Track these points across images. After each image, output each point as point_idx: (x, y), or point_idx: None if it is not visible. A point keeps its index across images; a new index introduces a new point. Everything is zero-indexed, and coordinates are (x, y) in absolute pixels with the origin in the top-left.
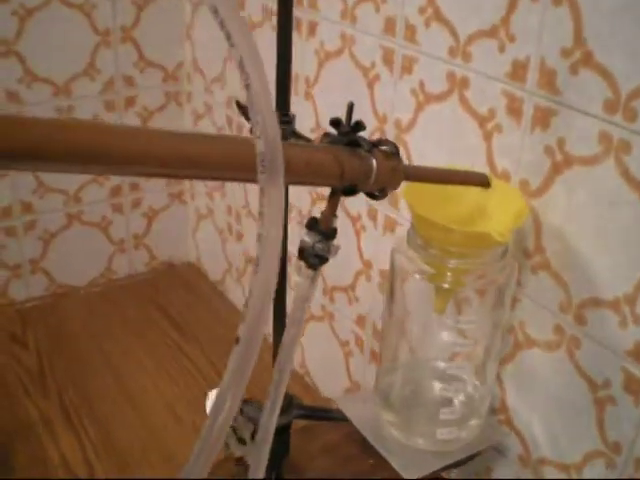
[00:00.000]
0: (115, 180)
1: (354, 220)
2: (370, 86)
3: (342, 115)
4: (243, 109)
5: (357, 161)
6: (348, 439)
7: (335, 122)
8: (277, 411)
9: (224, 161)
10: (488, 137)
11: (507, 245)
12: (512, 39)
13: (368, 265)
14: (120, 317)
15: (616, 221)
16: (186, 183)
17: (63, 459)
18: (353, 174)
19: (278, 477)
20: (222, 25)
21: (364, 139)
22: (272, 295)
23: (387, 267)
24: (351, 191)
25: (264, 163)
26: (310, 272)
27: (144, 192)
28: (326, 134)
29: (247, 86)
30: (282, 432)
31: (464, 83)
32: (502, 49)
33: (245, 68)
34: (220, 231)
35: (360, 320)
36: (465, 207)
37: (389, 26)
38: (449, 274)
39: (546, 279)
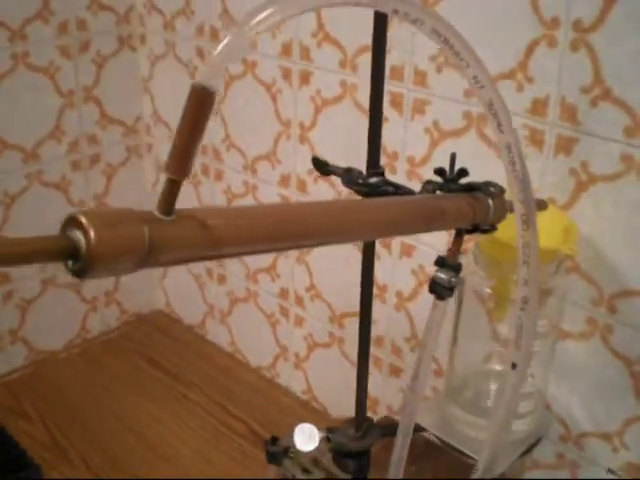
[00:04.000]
0: None
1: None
2: None
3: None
4: (321, 166)
5: (480, 203)
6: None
7: (440, 171)
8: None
9: (419, 218)
10: None
11: (560, 259)
12: (530, 80)
13: (383, 289)
14: (111, 374)
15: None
16: None
17: None
18: (479, 215)
19: None
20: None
21: (483, 183)
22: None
23: (405, 290)
24: (473, 230)
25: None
26: (441, 302)
27: None
28: (428, 181)
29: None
30: (363, 454)
31: (481, 119)
32: (520, 89)
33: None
34: (197, 276)
35: (377, 340)
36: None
37: (395, 73)
38: (512, 286)
39: (577, 280)
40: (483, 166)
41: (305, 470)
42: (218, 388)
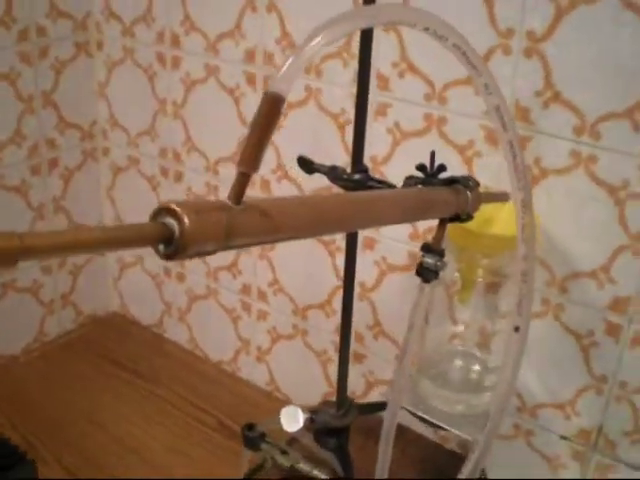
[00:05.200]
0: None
1: (326, 244)
2: (341, 129)
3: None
4: (307, 164)
5: (460, 195)
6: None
7: (421, 167)
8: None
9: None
10: (468, 162)
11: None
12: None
13: None
14: (74, 375)
15: (588, 212)
16: None
17: None
18: (459, 206)
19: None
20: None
21: (462, 177)
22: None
23: (368, 280)
24: (454, 219)
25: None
26: (427, 285)
27: None
28: (410, 177)
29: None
30: (343, 432)
31: (442, 121)
32: (478, 93)
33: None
34: (154, 276)
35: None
36: (483, 217)
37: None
38: (480, 270)
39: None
40: (444, 162)
41: (283, 452)
42: (181, 383)
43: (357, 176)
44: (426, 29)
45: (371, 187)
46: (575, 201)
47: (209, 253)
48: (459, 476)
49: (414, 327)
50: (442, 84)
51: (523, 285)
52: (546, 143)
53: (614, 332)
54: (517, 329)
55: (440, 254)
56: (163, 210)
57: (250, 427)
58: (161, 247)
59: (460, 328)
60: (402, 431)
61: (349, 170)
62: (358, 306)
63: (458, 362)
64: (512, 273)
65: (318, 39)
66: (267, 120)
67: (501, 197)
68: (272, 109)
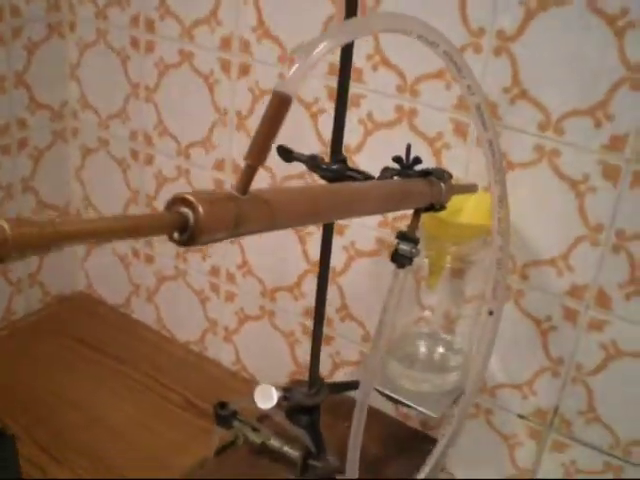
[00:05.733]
0: None
1: (297, 229)
2: (314, 117)
3: None
4: (286, 153)
5: (435, 186)
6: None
7: (397, 159)
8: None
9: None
10: (437, 153)
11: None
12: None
13: (315, 264)
14: (42, 354)
15: (550, 204)
16: (73, 215)
17: None
18: (434, 196)
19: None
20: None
21: (436, 170)
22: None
23: (337, 265)
24: (428, 209)
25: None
26: (401, 271)
27: None
28: (386, 168)
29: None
30: (315, 410)
31: (413, 113)
32: (448, 88)
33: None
34: (122, 257)
35: (308, 312)
36: (452, 207)
37: (334, 69)
38: (448, 257)
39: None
40: (414, 153)
41: (254, 429)
42: (149, 363)
43: (335, 166)
44: (420, 36)
45: (349, 177)
46: (538, 193)
47: (218, 240)
48: (436, 450)
49: (388, 310)
50: (414, 77)
51: (498, 272)
52: (512, 138)
53: (571, 317)
54: (491, 313)
55: (415, 242)
56: (178, 200)
57: (222, 405)
58: (176, 235)
59: (426, 312)
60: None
61: (326, 159)
62: (329, 289)
63: (424, 344)
64: (477, 260)
65: (323, 45)
66: (274, 118)
67: (470, 188)
68: (280, 108)
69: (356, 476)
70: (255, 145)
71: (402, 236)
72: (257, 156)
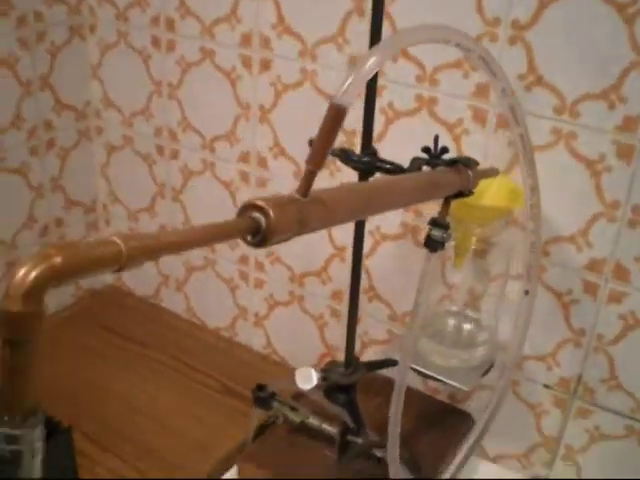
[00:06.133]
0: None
1: None
2: None
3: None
4: None
5: (463, 174)
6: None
7: (426, 149)
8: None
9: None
10: (457, 139)
11: (508, 216)
12: (475, 68)
13: (342, 249)
14: (79, 347)
15: (568, 183)
16: (100, 210)
17: (118, 475)
18: (462, 184)
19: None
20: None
21: (465, 158)
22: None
23: (364, 248)
24: (457, 196)
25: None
26: (433, 255)
27: (65, 227)
28: (415, 158)
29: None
30: (352, 388)
31: (432, 102)
32: (466, 77)
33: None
34: None
35: (336, 294)
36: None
37: (354, 61)
38: (473, 238)
39: (517, 232)
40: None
41: (293, 409)
42: (182, 350)
43: (366, 158)
44: (457, 44)
45: (379, 168)
46: (557, 174)
47: (285, 240)
48: (477, 426)
49: (422, 292)
50: (432, 67)
51: (531, 255)
52: (530, 122)
53: (591, 290)
54: (527, 292)
55: (446, 227)
56: (250, 206)
57: (260, 387)
58: (249, 238)
59: (452, 291)
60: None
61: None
62: (348, 270)
63: (452, 321)
64: (499, 241)
65: (373, 59)
66: (331, 127)
67: (492, 172)
68: (335, 118)
69: (397, 451)
70: (315, 152)
71: (434, 222)
72: (317, 162)
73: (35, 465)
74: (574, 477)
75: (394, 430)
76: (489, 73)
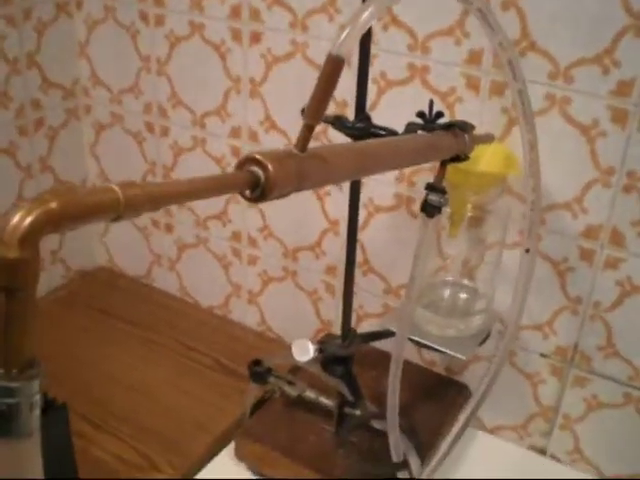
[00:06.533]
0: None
1: (315, 190)
2: None
3: None
4: None
5: (459, 137)
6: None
7: (421, 114)
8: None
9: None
10: (450, 107)
11: (503, 183)
12: (467, 35)
13: (335, 223)
14: (71, 327)
15: (562, 150)
16: None
17: (114, 455)
18: (459, 147)
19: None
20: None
21: (461, 122)
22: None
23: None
24: (454, 160)
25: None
26: (431, 220)
27: None
28: (411, 123)
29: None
30: (349, 360)
31: (425, 70)
32: (458, 44)
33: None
34: (142, 229)
35: (329, 269)
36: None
37: None
38: (469, 206)
39: (511, 200)
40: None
41: (290, 383)
42: (175, 328)
43: (360, 124)
44: None
45: (374, 134)
46: (551, 140)
47: (284, 195)
48: (473, 397)
49: (419, 259)
50: (424, 35)
51: (532, 213)
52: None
53: (588, 257)
54: (528, 250)
55: (443, 192)
56: (248, 160)
57: (256, 362)
58: (247, 192)
59: (448, 261)
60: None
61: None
62: (342, 245)
63: (448, 291)
64: (494, 209)
65: (369, 11)
66: (329, 79)
67: (488, 138)
68: (334, 69)
69: (397, 420)
70: (312, 106)
71: (430, 187)
72: (314, 116)
73: (33, 419)
74: (572, 447)
75: (393, 399)
76: (487, 26)
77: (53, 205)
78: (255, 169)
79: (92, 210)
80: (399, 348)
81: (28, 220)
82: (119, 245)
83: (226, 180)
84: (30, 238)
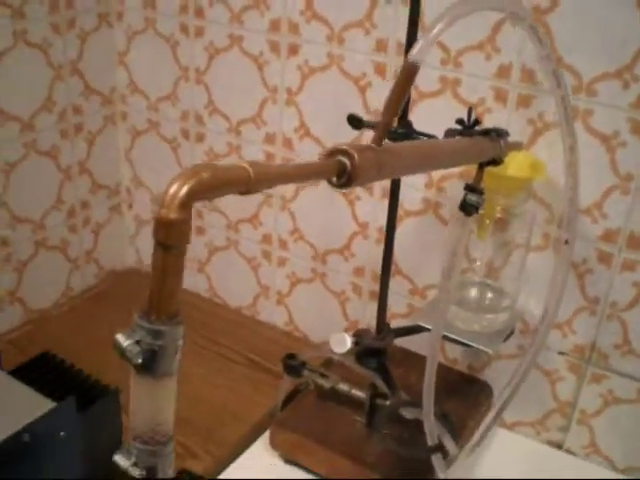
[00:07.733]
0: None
1: (345, 194)
2: (362, 91)
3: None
4: (356, 121)
5: (495, 142)
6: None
7: (460, 121)
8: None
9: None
10: (479, 117)
11: (529, 189)
12: (497, 51)
13: (364, 226)
14: (106, 324)
15: (584, 158)
16: (124, 194)
17: None
18: (496, 152)
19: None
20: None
21: (495, 129)
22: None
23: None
24: (490, 163)
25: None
26: (468, 219)
27: (89, 210)
28: (450, 129)
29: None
30: (383, 352)
31: (456, 83)
32: (488, 59)
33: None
34: None
35: (357, 271)
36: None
37: (381, 46)
38: (498, 208)
39: (535, 205)
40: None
41: (323, 375)
42: (205, 328)
43: (402, 130)
44: (511, 13)
45: (415, 139)
46: None
47: (367, 183)
48: (500, 397)
49: (457, 255)
50: (456, 50)
51: (571, 208)
52: (549, 100)
53: (606, 260)
54: (567, 242)
55: (481, 192)
56: (335, 151)
57: (290, 356)
58: (334, 179)
59: (476, 262)
60: (417, 358)
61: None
62: (376, 249)
63: (474, 290)
64: (521, 213)
65: (439, 26)
66: (404, 83)
67: (518, 145)
68: (409, 74)
69: (432, 406)
70: (389, 105)
71: (470, 188)
72: (391, 113)
73: (176, 361)
74: (588, 441)
75: (429, 384)
76: (536, 41)
77: (205, 175)
78: (342, 158)
79: (231, 182)
80: (434, 342)
81: (185, 188)
82: (149, 247)
83: (318, 167)
84: (187, 202)
